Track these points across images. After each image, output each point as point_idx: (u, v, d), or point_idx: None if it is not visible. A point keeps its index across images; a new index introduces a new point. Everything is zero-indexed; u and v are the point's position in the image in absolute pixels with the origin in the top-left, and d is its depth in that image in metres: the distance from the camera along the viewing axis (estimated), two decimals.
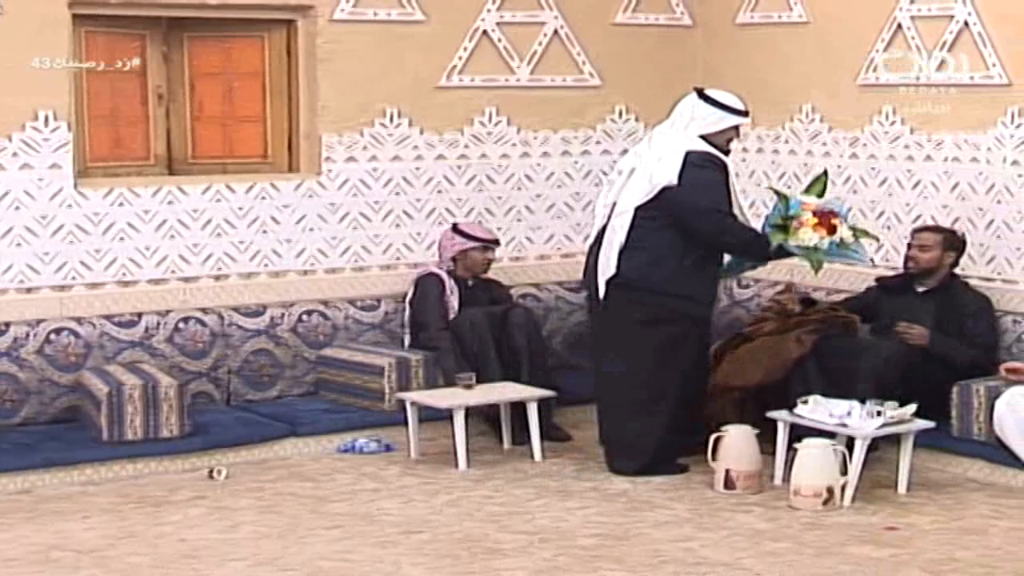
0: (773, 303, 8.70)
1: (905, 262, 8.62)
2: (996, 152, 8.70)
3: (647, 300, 7.98)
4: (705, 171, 7.94)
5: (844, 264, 8.41)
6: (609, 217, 8.13)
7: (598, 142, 10.05)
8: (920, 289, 8.61)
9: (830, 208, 8.04)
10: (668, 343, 7.99)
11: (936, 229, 8.64)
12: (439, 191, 9.58)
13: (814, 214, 7.95)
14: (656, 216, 7.96)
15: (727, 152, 8.10)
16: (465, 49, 9.54)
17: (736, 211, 8.10)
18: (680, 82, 9.94)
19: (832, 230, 7.93)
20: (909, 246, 8.61)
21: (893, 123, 9.19)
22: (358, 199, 9.36)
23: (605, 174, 9.87)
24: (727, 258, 8.24)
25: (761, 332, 8.56)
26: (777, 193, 8.18)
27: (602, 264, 8.10)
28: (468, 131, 9.62)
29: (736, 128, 8.12)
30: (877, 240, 8.46)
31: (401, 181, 9.47)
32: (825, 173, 8.40)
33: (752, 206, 9.64)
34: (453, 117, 9.55)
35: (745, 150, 9.88)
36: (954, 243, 8.59)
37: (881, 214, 9.23)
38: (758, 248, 8.04)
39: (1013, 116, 8.61)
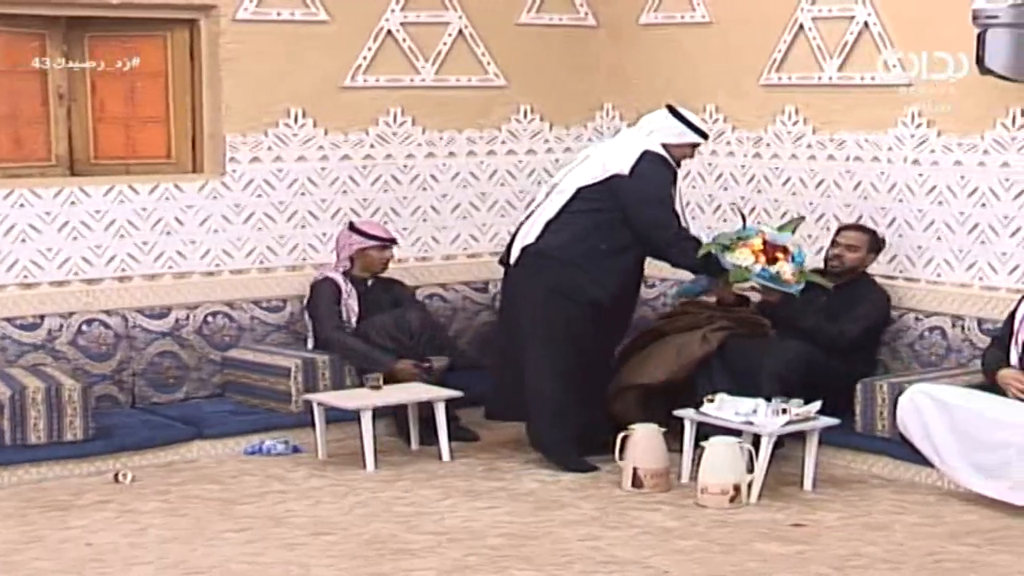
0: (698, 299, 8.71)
1: (828, 259, 8.61)
2: (897, 151, 8.76)
3: (555, 269, 8.14)
4: (658, 168, 8.15)
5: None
6: (548, 196, 8.34)
7: (503, 142, 10.03)
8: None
9: (782, 243, 8.12)
10: (572, 318, 8.09)
11: (863, 229, 8.65)
12: (344, 191, 9.53)
13: (764, 242, 8.07)
14: (595, 199, 8.17)
15: (678, 166, 8.33)
16: (369, 49, 9.50)
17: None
18: (585, 82, 10.11)
19: (772, 261, 8.04)
20: (835, 243, 8.61)
21: (796, 123, 9.22)
22: (263, 200, 9.30)
23: (511, 174, 10.03)
24: (684, 279, 8.37)
25: (674, 327, 8.60)
26: (743, 216, 8.31)
27: (523, 232, 8.30)
28: (373, 131, 9.58)
29: (693, 147, 8.36)
30: (828, 290, 8.46)
31: (306, 181, 9.42)
32: (801, 219, 8.55)
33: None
34: (358, 117, 9.49)
35: None
36: (876, 245, 8.65)
37: (784, 213, 9.23)
38: (687, 251, 8.14)
39: (913, 116, 8.68)
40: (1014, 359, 7.58)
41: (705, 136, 8.39)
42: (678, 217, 8.19)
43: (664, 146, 8.22)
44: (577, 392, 8.17)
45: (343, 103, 9.44)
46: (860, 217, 8.90)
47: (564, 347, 8.12)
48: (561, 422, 8.18)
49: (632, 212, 8.10)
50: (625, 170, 8.13)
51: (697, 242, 8.18)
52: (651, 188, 8.12)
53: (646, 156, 8.15)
